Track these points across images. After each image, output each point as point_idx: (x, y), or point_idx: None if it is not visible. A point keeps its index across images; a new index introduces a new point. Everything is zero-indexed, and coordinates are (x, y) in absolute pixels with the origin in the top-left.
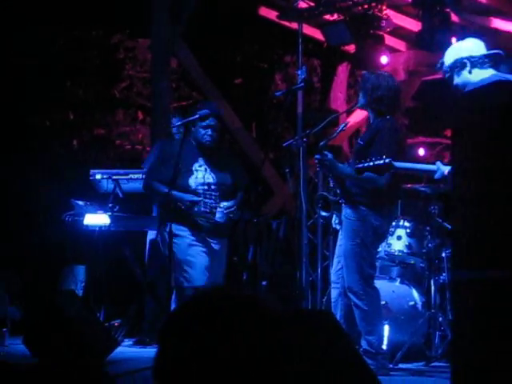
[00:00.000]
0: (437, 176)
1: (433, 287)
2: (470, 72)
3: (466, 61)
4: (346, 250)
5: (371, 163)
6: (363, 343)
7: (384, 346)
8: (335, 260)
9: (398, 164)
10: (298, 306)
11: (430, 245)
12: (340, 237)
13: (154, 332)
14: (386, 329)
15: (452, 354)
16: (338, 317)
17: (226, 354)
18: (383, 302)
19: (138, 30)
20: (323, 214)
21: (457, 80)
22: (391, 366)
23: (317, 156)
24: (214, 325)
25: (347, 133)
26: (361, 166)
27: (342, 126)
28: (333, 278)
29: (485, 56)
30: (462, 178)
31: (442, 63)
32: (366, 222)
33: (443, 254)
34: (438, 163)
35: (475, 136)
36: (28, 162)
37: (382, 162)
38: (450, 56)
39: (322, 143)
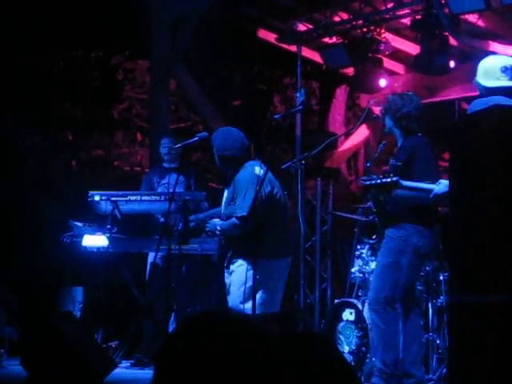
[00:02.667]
0: (434, 192)
1: (430, 310)
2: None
3: None
4: (377, 267)
5: (378, 181)
6: (378, 363)
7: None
8: None
9: (404, 183)
10: (295, 329)
11: (428, 267)
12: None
13: (151, 353)
14: None
15: (449, 378)
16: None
17: (223, 377)
18: None
19: (138, 52)
20: (370, 241)
21: None
22: None
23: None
24: (210, 348)
25: (345, 155)
26: (368, 183)
27: (381, 146)
28: None
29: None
30: (459, 202)
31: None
32: (408, 242)
33: (441, 277)
34: (441, 181)
35: (472, 160)
36: (26, 182)
37: (389, 180)
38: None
39: (368, 164)
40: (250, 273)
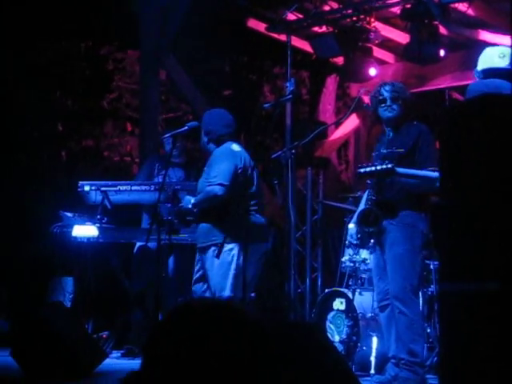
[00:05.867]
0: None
1: (421, 299)
2: None
3: None
4: (394, 256)
5: (373, 168)
6: (404, 355)
7: (372, 358)
8: (375, 279)
9: (400, 170)
10: (286, 318)
11: None
12: (374, 255)
13: (141, 343)
14: (375, 341)
15: (440, 367)
16: (393, 336)
17: (212, 365)
18: (371, 314)
19: (127, 42)
20: (370, 229)
21: None
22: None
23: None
24: (198, 337)
25: (335, 145)
26: (363, 170)
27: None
28: (378, 297)
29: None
30: (449, 189)
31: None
32: (416, 227)
33: (431, 266)
34: None
35: (462, 149)
36: (16, 173)
37: (385, 167)
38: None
39: (373, 154)
40: (235, 257)
